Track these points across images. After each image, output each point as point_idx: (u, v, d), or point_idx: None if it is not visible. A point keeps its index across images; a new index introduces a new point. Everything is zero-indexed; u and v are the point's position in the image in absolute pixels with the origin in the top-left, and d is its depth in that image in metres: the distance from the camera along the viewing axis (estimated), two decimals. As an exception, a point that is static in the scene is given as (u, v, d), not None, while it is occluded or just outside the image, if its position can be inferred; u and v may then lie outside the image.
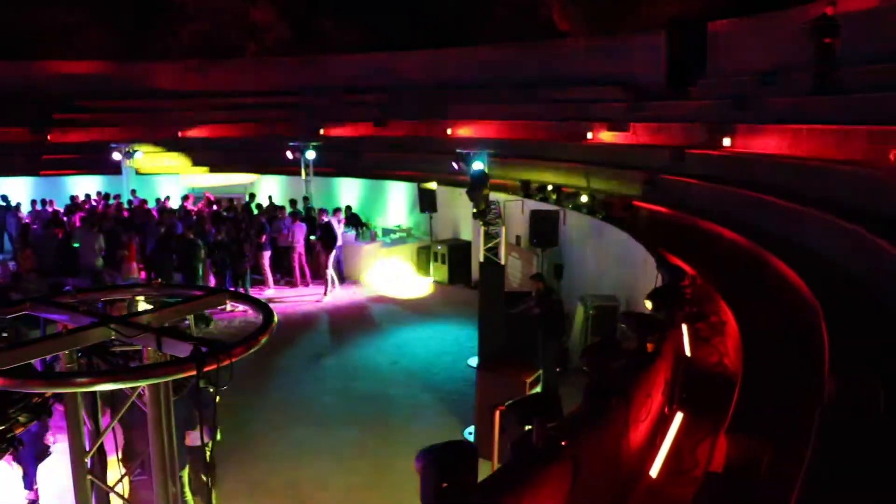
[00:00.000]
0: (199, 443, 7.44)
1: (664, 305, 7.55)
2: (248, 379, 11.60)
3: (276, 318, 3.73)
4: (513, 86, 23.40)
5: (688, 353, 7.66)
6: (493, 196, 12.48)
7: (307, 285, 18.15)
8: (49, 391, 3.34)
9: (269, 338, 3.59)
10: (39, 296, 4.22)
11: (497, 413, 7.48)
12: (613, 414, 5.69)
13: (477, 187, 11.60)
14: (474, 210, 11.78)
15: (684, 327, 7.84)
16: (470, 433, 10.12)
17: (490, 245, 11.95)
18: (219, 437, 7.24)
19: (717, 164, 14.54)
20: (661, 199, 14.40)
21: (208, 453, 7.41)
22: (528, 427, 4.78)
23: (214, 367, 3.13)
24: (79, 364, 3.75)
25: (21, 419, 3.31)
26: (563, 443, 4.79)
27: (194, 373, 3.10)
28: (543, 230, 14.32)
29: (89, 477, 3.75)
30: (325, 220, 17.98)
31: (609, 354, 6.07)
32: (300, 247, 18.06)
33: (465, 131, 23.30)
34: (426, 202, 18.63)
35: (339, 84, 27.24)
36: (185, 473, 7.80)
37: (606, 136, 19.30)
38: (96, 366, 3.70)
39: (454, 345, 13.86)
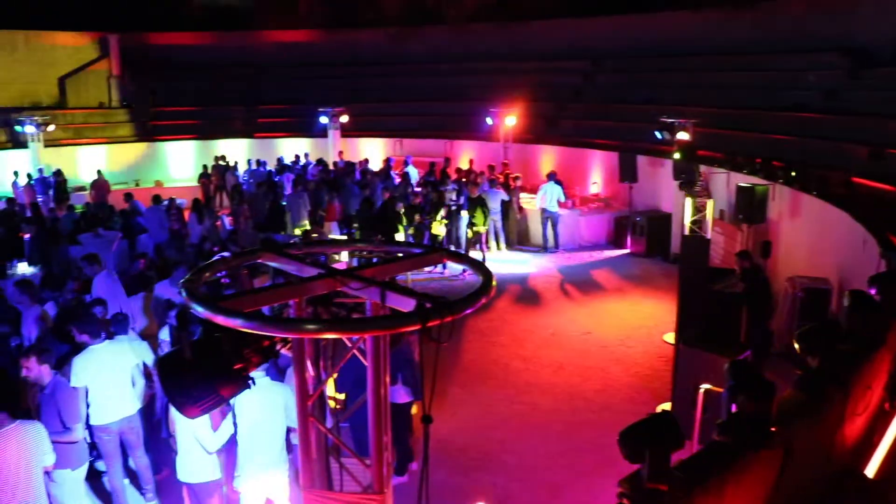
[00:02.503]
0: (398, 399, 7.75)
1: (889, 292, 6.96)
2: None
3: (494, 281, 3.76)
4: (720, 52, 22.20)
5: (913, 345, 7.03)
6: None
7: (499, 250, 18.35)
8: (284, 335, 3.55)
9: (489, 299, 3.62)
10: (272, 245, 4.49)
11: (701, 392, 7.26)
12: (830, 403, 5.32)
13: (684, 158, 11.20)
14: (680, 180, 11.38)
15: (911, 317, 7.19)
16: (664, 410, 9.86)
17: (694, 218, 11.50)
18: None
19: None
20: (886, 176, 13.21)
21: (415, 407, 7.68)
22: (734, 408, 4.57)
23: (438, 322, 3.20)
24: (303, 313, 3.95)
25: (254, 360, 3.53)
26: (773, 429, 4.55)
27: (418, 327, 3.19)
28: (750, 205, 13.54)
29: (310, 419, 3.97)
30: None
31: (828, 339, 5.66)
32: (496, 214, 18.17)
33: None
34: (626, 172, 18.26)
35: (538, 50, 27.09)
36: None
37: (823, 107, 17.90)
38: (319, 315, 3.89)
39: (650, 318, 13.52)
